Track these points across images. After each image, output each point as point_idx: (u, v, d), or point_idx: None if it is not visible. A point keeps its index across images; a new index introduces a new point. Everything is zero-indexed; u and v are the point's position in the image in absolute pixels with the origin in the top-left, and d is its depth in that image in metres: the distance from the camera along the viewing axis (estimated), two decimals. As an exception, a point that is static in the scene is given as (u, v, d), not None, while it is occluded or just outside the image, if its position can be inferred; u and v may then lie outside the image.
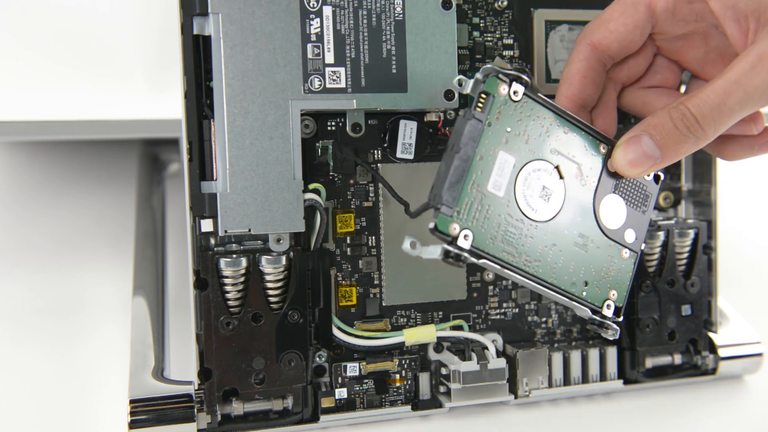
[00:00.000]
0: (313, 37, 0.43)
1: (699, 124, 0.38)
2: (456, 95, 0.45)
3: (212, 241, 0.44)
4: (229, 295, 0.43)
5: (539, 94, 0.40)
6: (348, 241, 0.47)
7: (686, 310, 0.52)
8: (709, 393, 0.52)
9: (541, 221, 0.40)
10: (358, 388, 0.47)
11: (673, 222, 0.53)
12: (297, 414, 0.45)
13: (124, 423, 0.42)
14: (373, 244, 0.48)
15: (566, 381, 0.50)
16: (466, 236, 0.38)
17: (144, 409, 0.43)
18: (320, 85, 0.43)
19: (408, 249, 0.38)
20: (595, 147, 0.42)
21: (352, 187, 0.47)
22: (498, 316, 0.50)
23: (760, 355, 0.54)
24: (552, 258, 0.41)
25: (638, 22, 0.42)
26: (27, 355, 0.55)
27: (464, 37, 0.48)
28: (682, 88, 0.48)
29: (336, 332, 0.46)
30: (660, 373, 0.52)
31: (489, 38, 0.49)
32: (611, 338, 0.43)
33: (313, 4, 0.43)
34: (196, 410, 0.43)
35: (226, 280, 0.43)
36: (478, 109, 0.38)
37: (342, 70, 0.44)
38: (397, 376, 0.48)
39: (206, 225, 0.43)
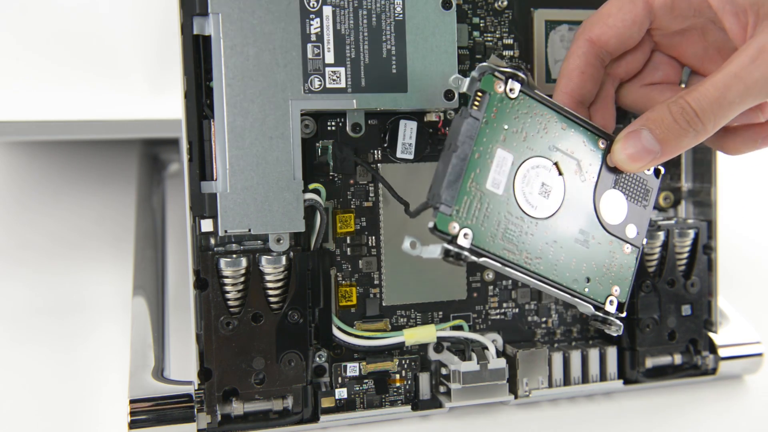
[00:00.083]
0: (313, 37, 0.43)
1: (699, 117, 0.38)
2: (456, 95, 0.45)
3: (212, 241, 0.44)
4: (229, 295, 0.43)
5: (536, 91, 0.40)
6: (348, 241, 0.47)
7: (686, 310, 0.52)
8: (709, 393, 0.52)
9: (541, 218, 0.40)
10: (358, 388, 0.47)
11: (673, 222, 0.53)
12: (297, 414, 0.45)
13: (124, 423, 0.42)
14: (373, 244, 0.48)
15: (566, 381, 0.50)
16: (465, 235, 0.38)
17: (144, 409, 0.43)
18: (320, 85, 0.43)
19: (408, 249, 0.38)
20: (593, 142, 0.42)
21: (352, 187, 0.47)
22: (498, 316, 0.50)
23: (760, 355, 0.54)
24: (553, 255, 0.41)
25: (636, 17, 0.42)
26: (27, 355, 0.55)
27: (464, 37, 0.48)
28: (683, 86, 0.48)
29: (336, 332, 0.46)
30: (660, 373, 0.52)
31: (489, 38, 0.49)
32: (614, 334, 0.43)
33: (313, 4, 0.43)
34: (196, 410, 0.43)
35: (226, 280, 0.43)
36: (475, 108, 0.38)
37: (342, 70, 0.44)
38: (397, 376, 0.48)
39: (206, 225, 0.43)
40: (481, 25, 0.49)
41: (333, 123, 0.46)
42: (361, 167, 0.47)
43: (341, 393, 0.46)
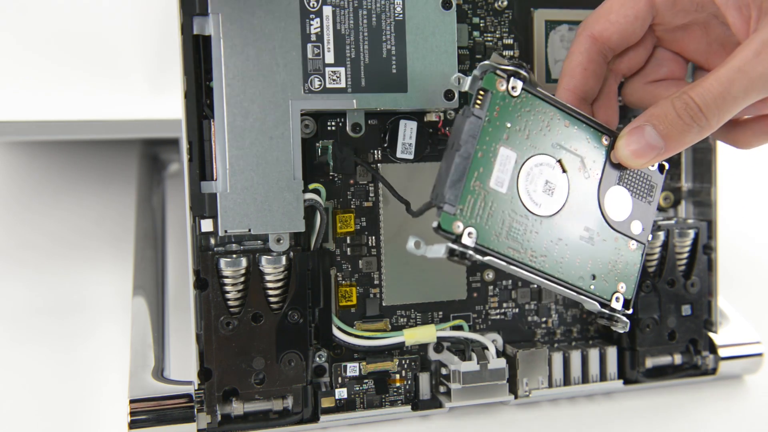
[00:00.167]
0: (313, 37, 0.43)
1: (702, 113, 0.38)
2: (456, 95, 0.45)
3: (212, 241, 0.44)
4: (229, 295, 0.43)
5: (538, 89, 0.40)
6: (348, 241, 0.47)
7: (686, 310, 0.52)
8: (709, 393, 0.52)
9: (545, 216, 0.40)
10: (358, 388, 0.47)
11: (673, 222, 0.53)
12: (297, 414, 0.45)
13: (124, 423, 0.42)
14: (373, 244, 0.48)
15: (566, 381, 0.50)
16: (470, 234, 0.38)
17: (144, 409, 0.43)
18: (320, 85, 0.43)
19: (412, 249, 0.38)
20: (597, 139, 0.42)
21: (352, 187, 0.47)
22: (498, 316, 0.50)
23: (760, 355, 0.54)
24: (558, 252, 0.40)
25: (639, 13, 0.42)
26: (27, 355, 0.55)
27: (464, 37, 0.48)
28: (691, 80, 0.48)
29: (336, 332, 0.46)
30: (660, 373, 0.52)
31: (489, 38, 0.49)
32: (621, 331, 0.43)
33: (313, 4, 0.43)
34: (196, 410, 0.43)
35: (226, 280, 0.43)
36: (477, 106, 0.38)
37: (342, 70, 0.44)
38: (397, 376, 0.48)
39: (206, 225, 0.43)
40: (481, 25, 0.49)
41: (333, 123, 0.46)
42: (361, 167, 0.47)
43: (341, 393, 0.46)
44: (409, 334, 0.47)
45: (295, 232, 0.44)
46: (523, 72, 0.39)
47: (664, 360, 0.52)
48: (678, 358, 0.52)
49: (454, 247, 0.37)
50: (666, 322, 0.51)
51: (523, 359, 0.48)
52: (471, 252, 0.37)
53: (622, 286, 0.43)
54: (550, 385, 0.49)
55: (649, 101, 0.45)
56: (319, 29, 0.43)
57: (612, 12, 0.42)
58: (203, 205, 0.42)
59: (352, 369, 0.47)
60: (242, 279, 0.43)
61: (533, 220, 0.40)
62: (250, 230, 0.42)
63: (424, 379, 0.48)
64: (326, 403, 0.46)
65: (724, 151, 0.53)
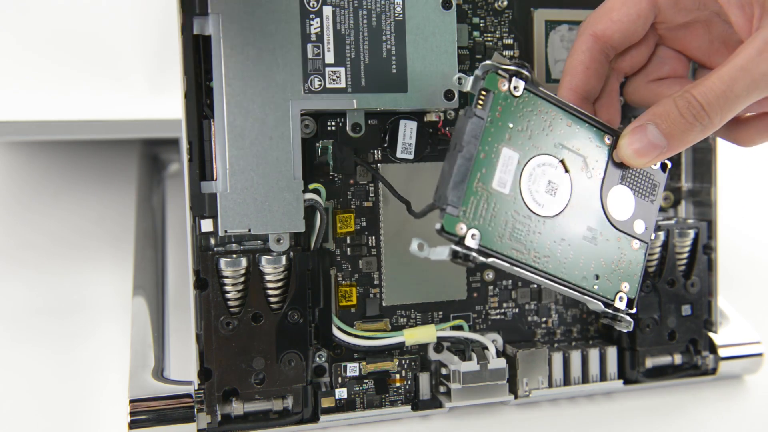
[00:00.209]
0: (313, 37, 0.43)
1: (705, 111, 0.38)
2: (456, 95, 0.45)
3: (212, 241, 0.44)
4: (229, 295, 0.43)
5: (540, 88, 0.40)
6: (348, 241, 0.47)
7: (686, 310, 0.52)
8: (709, 393, 0.52)
9: (548, 216, 0.40)
10: (358, 388, 0.47)
11: (673, 222, 0.53)
12: (297, 414, 0.45)
13: (124, 423, 0.42)
14: (373, 244, 0.48)
15: (566, 381, 0.50)
16: (473, 235, 0.38)
17: (144, 409, 0.43)
18: (320, 85, 0.43)
19: (415, 251, 0.38)
20: (599, 138, 0.42)
21: (352, 187, 0.47)
22: (498, 316, 0.50)
23: (760, 355, 0.54)
24: (561, 253, 0.40)
25: (641, 11, 0.42)
26: (27, 355, 0.55)
27: (464, 37, 0.48)
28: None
29: (336, 332, 0.46)
30: (660, 373, 0.52)
31: (489, 38, 0.49)
32: (625, 330, 0.43)
33: (313, 4, 0.43)
34: (196, 410, 0.43)
35: (226, 280, 0.43)
36: (479, 107, 0.38)
37: (342, 70, 0.44)
38: (397, 376, 0.48)
39: (206, 225, 0.43)
40: (481, 25, 0.49)
41: (333, 123, 0.46)
42: (361, 167, 0.47)
43: (341, 393, 0.46)
44: (409, 334, 0.47)
45: (295, 232, 0.44)
46: (525, 72, 0.39)
47: (664, 360, 0.52)
48: (678, 358, 0.52)
49: (458, 249, 0.37)
50: (666, 322, 0.51)
51: (523, 359, 0.48)
52: (474, 254, 0.37)
53: (626, 286, 0.43)
54: (550, 385, 0.49)
55: (652, 100, 0.45)
56: (319, 29, 0.43)
57: (614, 11, 0.42)
58: (203, 205, 0.42)
59: (352, 369, 0.47)
60: (242, 279, 0.43)
61: (536, 221, 0.40)
62: (250, 230, 0.42)
63: (424, 379, 0.48)
64: (326, 403, 0.46)
65: (724, 151, 0.53)
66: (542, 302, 0.51)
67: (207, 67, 0.42)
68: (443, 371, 0.48)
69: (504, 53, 0.50)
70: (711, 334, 0.53)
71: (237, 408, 0.44)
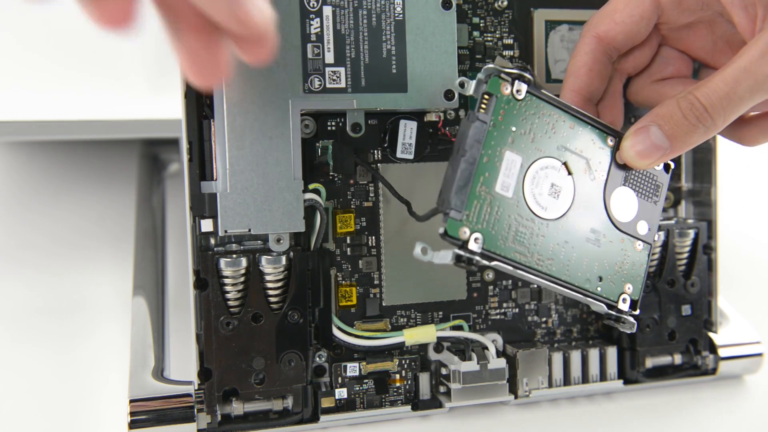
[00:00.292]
0: (313, 37, 0.43)
1: (708, 113, 0.38)
2: (456, 95, 0.45)
3: (212, 241, 0.44)
4: (229, 295, 0.43)
5: (543, 91, 0.40)
6: (348, 241, 0.47)
7: (686, 310, 0.52)
8: (709, 393, 0.52)
9: (551, 219, 0.40)
10: (358, 388, 0.47)
11: (673, 222, 0.53)
12: (297, 414, 0.45)
13: (124, 423, 0.42)
14: (373, 244, 0.48)
15: (566, 381, 0.50)
16: (476, 239, 0.38)
17: (144, 409, 0.43)
18: (320, 85, 0.43)
19: (419, 255, 0.38)
20: (602, 140, 0.42)
21: (352, 187, 0.47)
22: (498, 316, 0.50)
23: (760, 355, 0.54)
24: (564, 255, 0.40)
25: (644, 12, 0.42)
26: (27, 355, 0.55)
27: (464, 37, 0.48)
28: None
29: (336, 332, 0.46)
30: (660, 373, 0.52)
31: (489, 38, 0.49)
32: (629, 332, 0.43)
33: (313, 4, 0.43)
34: (196, 410, 0.43)
35: (226, 280, 0.43)
36: (482, 111, 0.38)
37: (342, 70, 0.44)
38: (397, 376, 0.48)
39: (206, 225, 0.43)
40: (481, 25, 0.49)
41: (333, 123, 0.46)
42: (361, 167, 0.47)
43: (341, 393, 0.46)
44: (409, 334, 0.47)
45: (295, 232, 0.44)
46: (527, 75, 0.39)
47: (664, 360, 0.52)
48: (678, 358, 0.52)
49: (461, 253, 0.37)
50: (666, 322, 0.51)
51: (523, 359, 0.48)
52: (478, 258, 0.38)
53: (629, 287, 0.43)
54: (550, 385, 0.49)
55: (655, 100, 0.45)
56: (319, 29, 0.43)
57: (617, 12, 0.42)
58: (203, 205, 0.42)
59: (352, 369, 0.47)
60: (242, 279, 0.43)
61: (539, 224, 0.40)
62: (250, 230, 0.42)
63: (424, 379, 0.48)
64: (326, 403, 0.46)
65: (724, 151, 0.53)
66: (542, 302, 0.51)
67: (207, 67, 0.42)
68: (443, 371, 0.48)
69: (504, 53, 0.50)
70: (711, 334, 0.53)
71: (237, 408, 0.44)
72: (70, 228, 0.70)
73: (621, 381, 0.51)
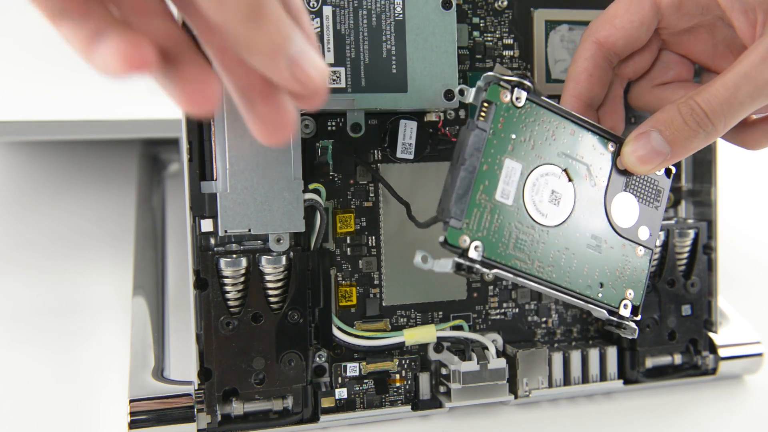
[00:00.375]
0: (313, 37, 0.43)
1: (709, 118, 0.38)
2: (456, 95, 0.45)
3: (212, 241, 0.44)
4: (229, 295, 0.43)
5: (543, 98, 0.40)
6: (348, 241, 0.47)
7: (686, 310, 0.52)
8: (709, 393, 0.52)
9: (552, 226, 0.40)
10: (358, 388, 0.47)
11: (673, 222, 0.53)
12: (297, 414, 0.45)
13: (124, 423, 0.42)
14: (373, 244, 0.48)
15: (566, 381, 0.50)
16: (476, 247, 0.38)
17: (144, 409, 0.43)
18: (320, 85, 0.43)
19: (419, 263, 0.38)
20: (603, 146, 0.42)
21: (352, 187, 0.47)
22: (498, 316, 0.50)
23: (760, 355, 0.54)
24: (565, 262, 0.40)
25: (644, 18, 0.42)
26: (27, 355, 0.55)
27: (464, 37, 0.48)
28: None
29: (336, 332, 0.46)
30: (660, 373, 0.52)
31: (489, 38, 0.49)
32: (630, 337, 0.43)
33: (313, 4, 0.43)
34: (196, 410, 0.43)
35: (226, 280, 0.43)
36: (481, 119, 0.38)
37: (342, 70, 0.44)
38: (397, 376, 0.48)
39: (206, 225, 0.43)
40: (481, 25, 0.49)
41: (333, 123, 0.46)
42: (361, 167, 0.47)
43: (341, 393, 0.46)
44: (409, 334, 0.47)
45: (295, 232, 0.44)
46: (527, 82, 0.39)
47: (664, 360, 0.52)
48: (678, 358, 0.52)
49: (461, 261, 0.37)
50: (666, 322, 0.51)
51: (523, 359, 0.48)
52: (478, 266, 0.38)
53: (630, 293, 0.42)
54: (550, 385, 0.49)
55: (657, 104, 0.45)
56: (319, 29, 0.43)
57: (617, 17, 0.42)
58: (203, 205, 0.42)
59: (352, 369, 0.47)
60: (242, 279, 0.43)
61: (540, 231, 0.40)
62: (250, 230, 0.42)
63: (424, 379, 0.48)
64: (326, 403, 0.46)
65: (724, 151, 0.53)
66: (542, 302, 0.51)
67: (207, 67, 0.42)
68: (443, 371, 0.48)
69: (504, 53, 0.50)
70: (711, 334, 0.53)
71: (237, 408, 0.44)
72: (70, 228, 0.70)
73: (621, 381, 0.51)
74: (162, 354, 0.47)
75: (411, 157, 0.47)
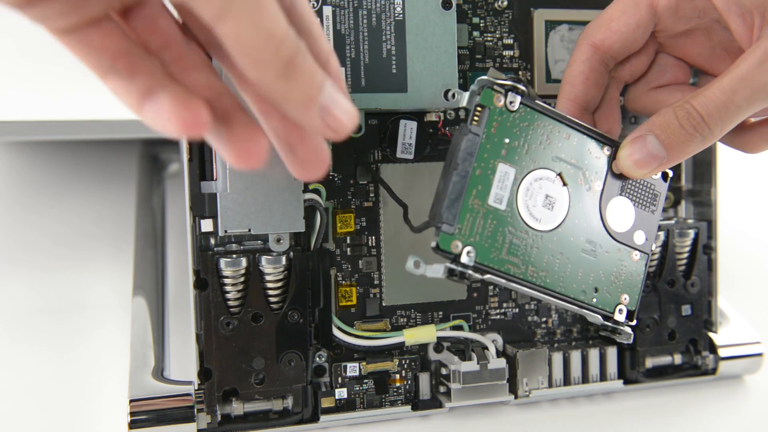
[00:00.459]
0: (313, 37, 0.43)
1: (705, 122, 0.38)
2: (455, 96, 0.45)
3: (212, 241, 0.44)
4: (229, 295, 0.43)
5: (537, 102, 0.40)
6: (348, 241, 0.47)
7: (686, 310, 0.52)
8: (709, 393, 0.52)
9: (545, 231, 0.40)
10: (358, 388, 0.47)
11: (673, 222, 0.53)
12: (297, 414, 0.45)
13: (124, 423, 0.42)
14: (373, 244, 0.48)
15: (566, 381, 0.50)
16: (468, 253, 0.37)
17: (144, 409, 0.43)
18: (320, 85, 0.43)
19: (411, 268, 0.38)
20: (598, 149, 0.42)
21: (352, 187, 0.47)
22: (498, 316, 0.50)
23: (760, 355, 0.54)
24: (559, 267, 0.40)
25: (640, 21, 0.42)
26: (27, 355, 0.55)
27: (464, 37, 0.48)
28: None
29: (336, 332, 0.46)
30: (660, 373, 0.52)
31: (489, 38, 0.49)
32: (625, 342, 0.43)
33: (313, 4, 0.43)
34: (196, 410, 0.43)
35: (226, 280, 0.43)
36: (474, 123, 0.38)
37: (342, 70, 0.44)
38: (397, 376, 0.48)
39: (206, 225, 0.43)
40: (481, 25, 0.49)
41: (333, 123, 0.46)
42: (361, 167, 0.47)
43: (341, 393, 0.46)
44: (409, 334, 0.47)
45: (295, 232, 0.44)
46: (521, 86, 0.39)
47: (664, 360, 0.52)
48: (678, 358, 0.52)
49: (453, 267, 0.37)
50: (666, 322, 0.51)
51: (523, 359, 0.48)
52: (470, 271, 0.37)
53: (626, 298, 0.42)
54: (550, 385, 0.49)
55: (653, 107, 0.45)
56: (319, 29, 0.43)
57: (613, 20, 0.42)
58: (203, 205, 0.42)
59: (352, 369, 0.47)
60: (242, 279, 0.43)
61: (533, 236, 0.39)
62: (250, 230, 0.42)
63: (424, 379, 0.48)
64: (326, 403, 0.46)
65: (724, 151, 0.53)
66: (542, 302, 0.51)
67: (207, 67, 0.42)
68: (443, 371, 0.48)
69: (504, 53, 0.50)
70: (711, 334, 0.53)
71: (237, 408, 0.44)
72: (70, 228, 0.70)
73: (621, 381, 0.51)
74: (162, 354, 0.47)
75: (411, 157, 0.47)
